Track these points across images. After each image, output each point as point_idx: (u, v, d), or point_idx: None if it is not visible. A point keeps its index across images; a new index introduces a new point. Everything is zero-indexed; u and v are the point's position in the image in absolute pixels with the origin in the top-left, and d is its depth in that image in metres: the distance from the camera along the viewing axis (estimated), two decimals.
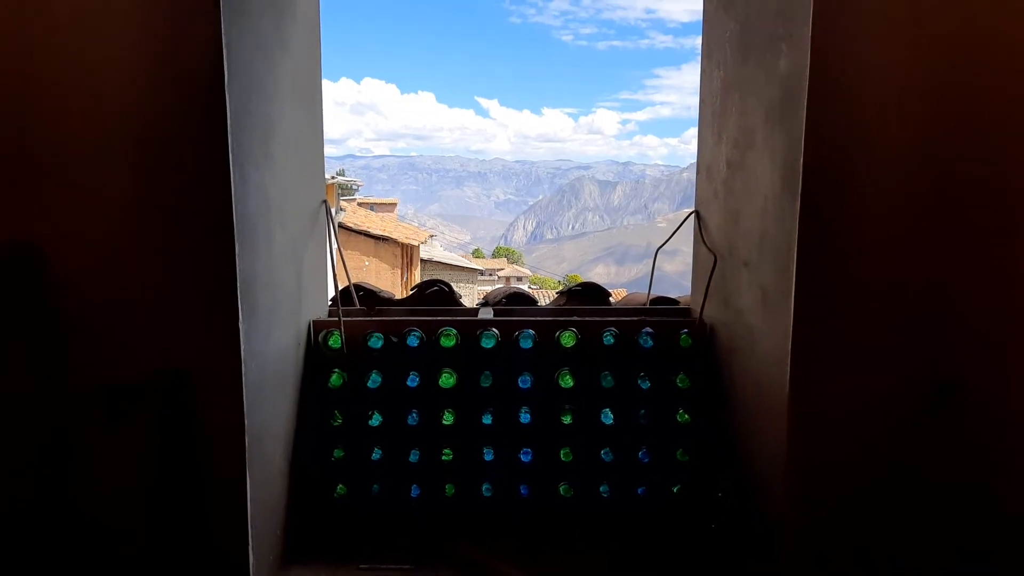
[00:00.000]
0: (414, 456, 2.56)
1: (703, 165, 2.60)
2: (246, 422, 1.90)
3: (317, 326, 2.49)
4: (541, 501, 2.58)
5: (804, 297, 1.85)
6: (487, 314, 2.67)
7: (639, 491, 2.59)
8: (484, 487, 2.57)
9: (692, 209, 2.69)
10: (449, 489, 2.59)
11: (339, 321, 2.44)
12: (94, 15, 1.78)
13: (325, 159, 2.65)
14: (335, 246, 2.58)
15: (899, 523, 1.95)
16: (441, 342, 2.49)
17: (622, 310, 2.83)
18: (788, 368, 1.87)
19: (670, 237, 2.84)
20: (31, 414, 1.88)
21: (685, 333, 2.53)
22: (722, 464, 2.39)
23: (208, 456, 1.91)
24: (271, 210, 2.09)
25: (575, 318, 2.56)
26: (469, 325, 2.51)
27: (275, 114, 2.13)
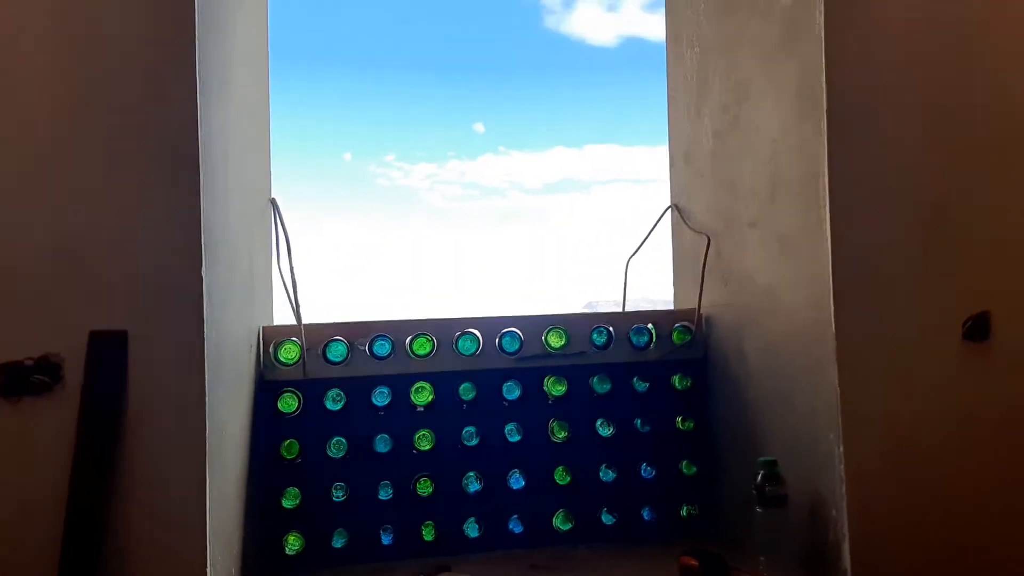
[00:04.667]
0: (384, 493, 2.14)
1: (678, 154, 2.51)
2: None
3: (267, 333, 2.09)
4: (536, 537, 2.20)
5: (840, 228, 1.70)
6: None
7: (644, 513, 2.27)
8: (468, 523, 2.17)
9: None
10: (427, 533, 2.17)
11: (299, 327, 2.06)
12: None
13: None
14: (285, 248, 2.23)
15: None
16: (414, 349, 2.16)
17: (609, 313, 2.62)
18: (832, 307, 1.69)
19: (643, 242, 2.66)
20: None
21: (679, 328, 2.33)
22: (748, 458, 2.13)
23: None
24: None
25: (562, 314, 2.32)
26: (445, 328, 2.20)
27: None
